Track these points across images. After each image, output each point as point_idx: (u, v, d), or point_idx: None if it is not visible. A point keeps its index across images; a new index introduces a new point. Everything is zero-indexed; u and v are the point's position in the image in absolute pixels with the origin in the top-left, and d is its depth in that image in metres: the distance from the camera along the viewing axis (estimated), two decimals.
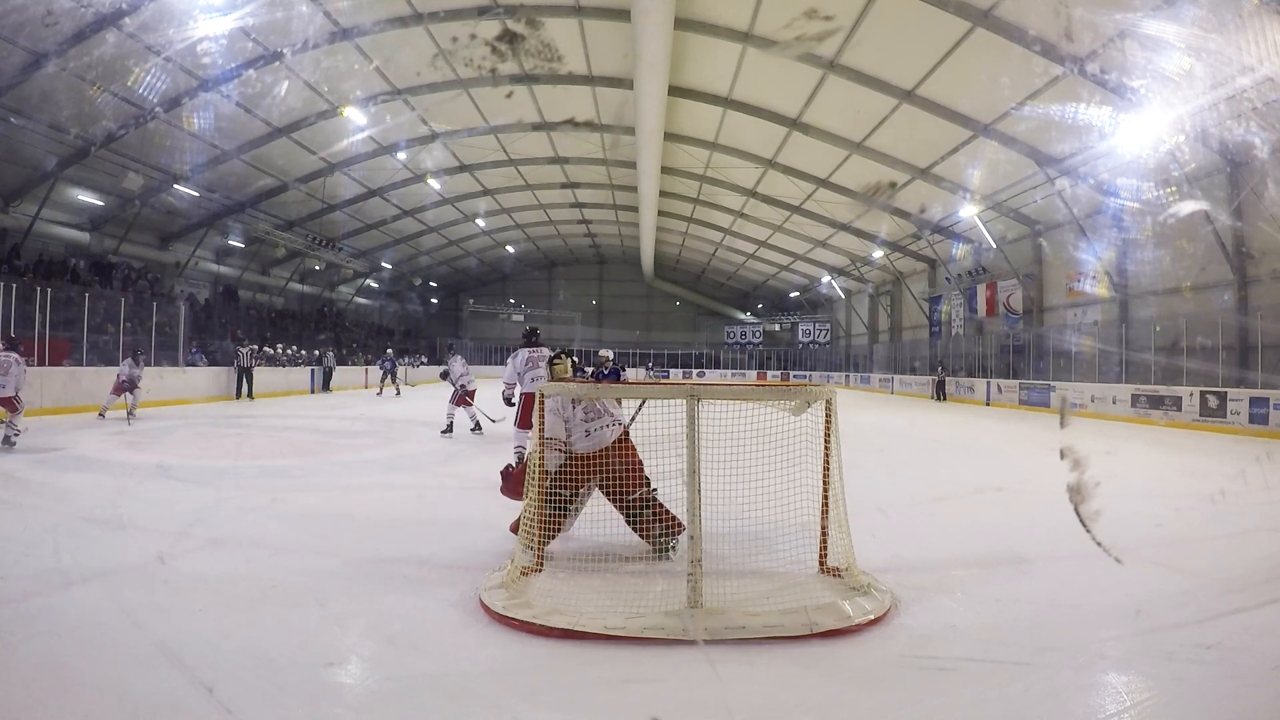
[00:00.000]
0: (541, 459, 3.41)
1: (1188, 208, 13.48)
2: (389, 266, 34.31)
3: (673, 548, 3.74)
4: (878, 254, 27.19)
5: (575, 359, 5.26)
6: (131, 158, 17.46)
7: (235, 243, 24.98)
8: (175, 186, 19.27)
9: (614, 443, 3.82)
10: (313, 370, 21.22)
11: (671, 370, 40.11)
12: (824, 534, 3.36)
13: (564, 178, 27.20)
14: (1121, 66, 11.95)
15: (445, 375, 11.78)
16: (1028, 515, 5.12)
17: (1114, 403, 14.97)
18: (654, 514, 3.75)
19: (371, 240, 30.25)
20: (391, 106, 18.98)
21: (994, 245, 20.71)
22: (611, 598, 2.98)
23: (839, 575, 3.29)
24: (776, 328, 41.80)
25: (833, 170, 20.81)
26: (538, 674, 2.42)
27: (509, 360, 6.69)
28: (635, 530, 3.79)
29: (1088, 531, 3.54)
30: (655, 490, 3.83)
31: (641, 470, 3.86)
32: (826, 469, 3.30)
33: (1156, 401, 13.76)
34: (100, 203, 19.08)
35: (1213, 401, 12.44)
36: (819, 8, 13.48)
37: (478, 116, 20.23)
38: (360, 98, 18.20)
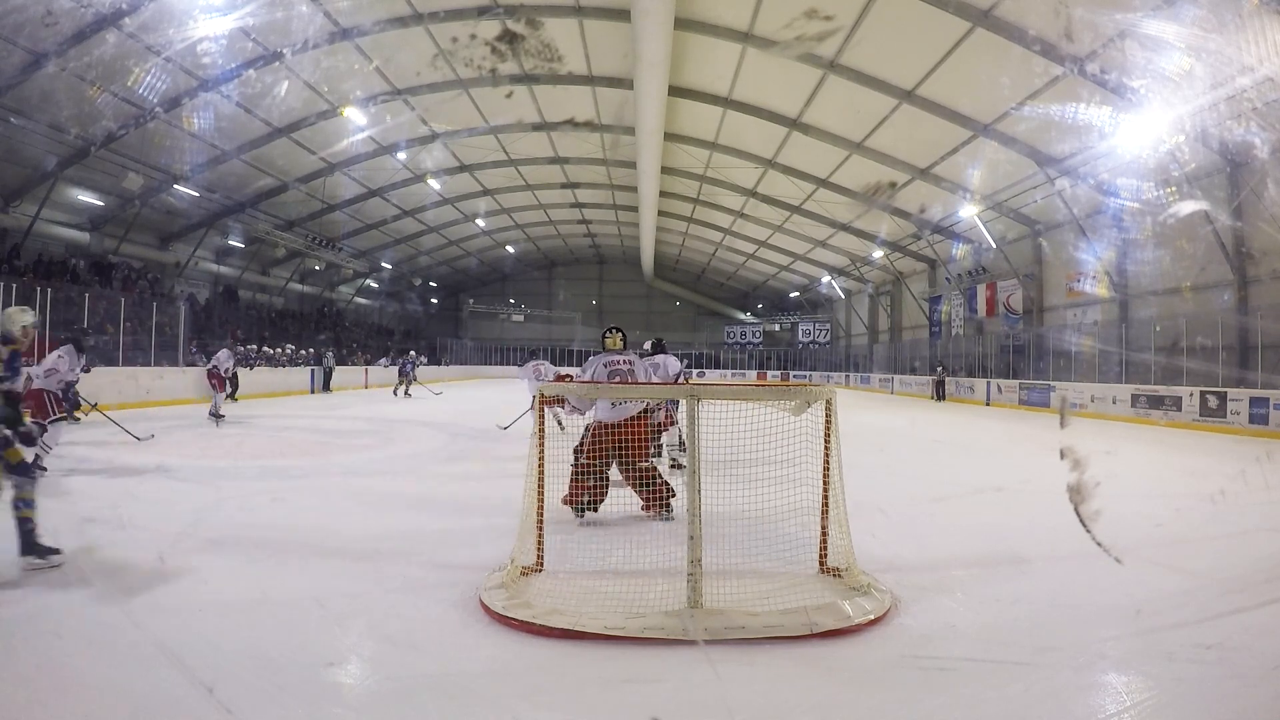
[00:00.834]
0: (541, 460, 3.41)
1: (1188, 208, 13.48)
2: (389, 266, 34.32)
3: (670, 511, 4.49)
4: (878, 254, 27.20)
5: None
6: (131, 158, 17.47)
7: (235, 243, 24.99)
8: (175, 186, 19.29)
9: (635, 415, 4.49)
10: (312, 370, 21.20)
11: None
12: (824, 534, 3.36)
13: (564, 178, 27.21)
14: (1121, 66, 11.95)
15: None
16: (1028, 515, 5.12)
17: (1114, 403, 14.97)
18: (657, 484, 4.45)
19: (371, 240, 30.26)
20: (391, 106, 18.98)
21: (994, 245, 20.71)
22: (611, 598, 2.97)
23: (839, 575, 3.29)
24: (776, 328, 41.81)
25: (833, 170, 20.81)
26: (538, 674, 2.42)
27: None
28: (638, 493, 4.50)
29: (1088, 531, 3.54)
30: (658, 459, 4.52)
31: (648, 444, 4.56)
32: (826, 469, 3.30)
33: (1156, 401, 13.76)
34: (100, 203, 19.08)
35: (1213, 401, 12.44)
36: (819, 8, 13.49)
37: (478, 116, 20.23)
38: (360, 98, 18.20)
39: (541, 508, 3.39)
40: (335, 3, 14.15)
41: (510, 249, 37.46)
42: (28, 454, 3.92)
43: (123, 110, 15.54)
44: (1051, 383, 18.10)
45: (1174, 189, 13.74)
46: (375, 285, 36.39)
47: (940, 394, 22.82)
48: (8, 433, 3.43)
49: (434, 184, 25.42)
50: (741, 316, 43.21)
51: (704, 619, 2.73)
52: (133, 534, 4.11)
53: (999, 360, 22.11)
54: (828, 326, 39.34)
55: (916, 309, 28.60)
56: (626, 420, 4.48)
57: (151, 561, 3.45)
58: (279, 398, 17.77)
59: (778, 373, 39.69)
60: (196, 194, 20.20)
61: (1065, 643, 2.69)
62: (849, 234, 25.63)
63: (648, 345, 8.21)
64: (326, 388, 21.13)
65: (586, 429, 5.01)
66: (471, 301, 43.43)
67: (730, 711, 2.16)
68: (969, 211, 19.77)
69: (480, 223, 31.66)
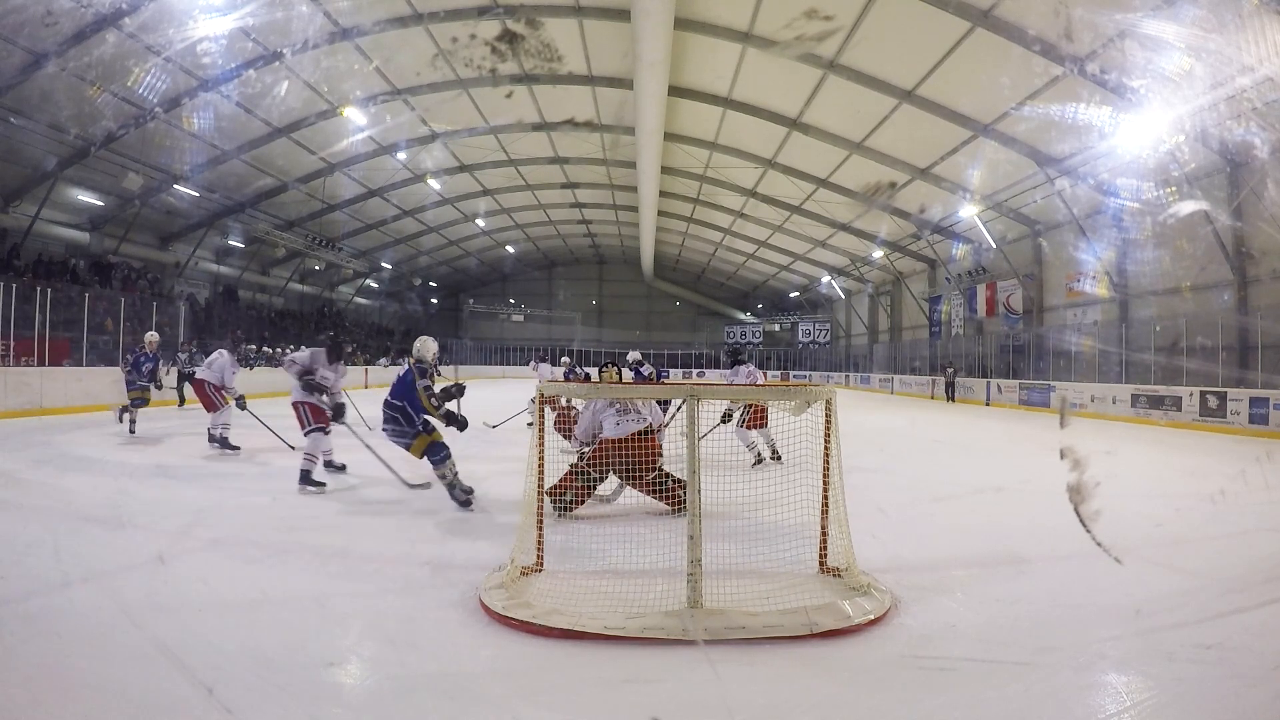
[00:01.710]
0: (541, 460, 3.41)
1: (1188, 208, 13.47)
2: (389, 266, 34.32)
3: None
4: (878, 254, 27.20)
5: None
6: (131, 158, 17.47)
7: (235, 243, 24.98)
8: (175, 186, 19.28)
9: (634, 434, 4.61)
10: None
11: (671, 370, 40.15)
12: (824, 534, 3.36)
13: (564, 178, 27.21)
14: (1121, 66, 11.95)
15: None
16: (1028, 515, 5.11)
17: (1114, 403, 14.97)
18: (672, 484, 4.62)
19: (371, 240, 30.26)
20: (391, 106, 18.98)
21: (994, 245, 20.71)
22: (611, 598, 2.97)
23: (839, 575, 3.29)
24: (776, 328, 41.81)
25: (833, 170, 20.81)
26: (538, 674, 2.42)
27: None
28: (658, 499, 4.64)
29: (1088, 531, 3.54)
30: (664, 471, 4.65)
31: (654, 459, 4.64)
32: (826, 469, 3.30)
33: (1156, 401, 13.76)
34: (100, 203, 19.07)
35: (1213, 401, 12.44)
36: (819, 8, 13.49)
37: (478, 116, 20.23)
38: (360, 98, 18.20)
39: (541, 508, 3.40)
40: (335, 3, 14.15)
41: (510, 249, 37.46)
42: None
43: (123, 110, 15.54)
44: (1051, 383, 18.10)
45: (1174, 189, 13.73)
46: (375, 285, 36.38)
47: (951, 394, 22.17)
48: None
49: (434, 184, 25.42)
50: (741, 316, 43.20)
51: (704, 619, 2.73)
52: (132, 534, 4.10)
53: (999, 360, 22.11)
54: (828, 326, 39.33)
55: (916, 309, 28.59)
56: (630, 437, 4.60)
57: (151, 561, 3.45)
58: (280, 398, 17.75)
59: (778, 373, 39.68)
60: (196, 194, 20.19)
61: (1065, 643, 2.69)
62: (849, 234, 25.63)
63: (633, 356, 8.45)
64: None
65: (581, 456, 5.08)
66: (471, 301, 43.43)
67: (730, 711, 2.16)
68: (969, 211, 19.76)
69: (480, 223, 31.66)
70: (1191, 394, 12.94)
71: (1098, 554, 3.57)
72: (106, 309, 15.05)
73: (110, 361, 13.77)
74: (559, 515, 4.49)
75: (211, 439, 7.67)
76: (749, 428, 6.71)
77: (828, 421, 3.31)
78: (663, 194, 25.99)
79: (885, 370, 30.53)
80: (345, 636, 2.74)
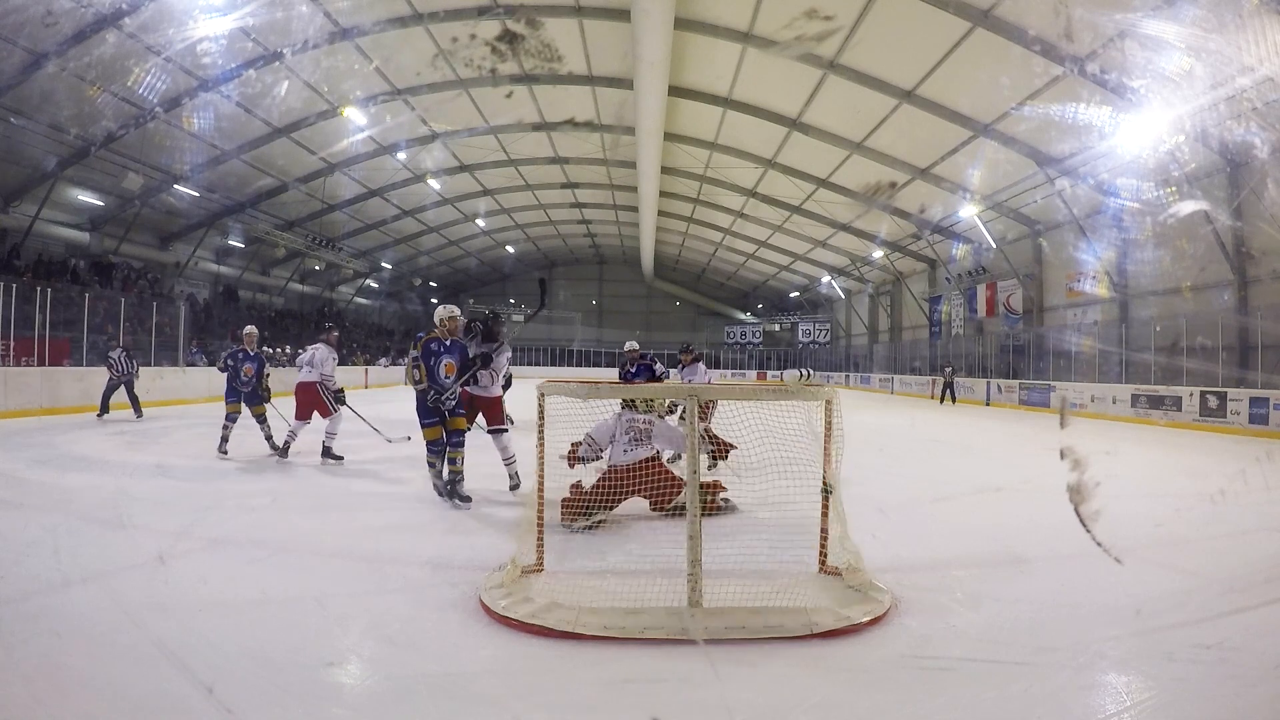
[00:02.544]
0: (542, 461, 3.41)
1: (1188, 208, 13.48)
2: (389, 266, 34.31)
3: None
4: (878, 254, 27.20)
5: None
6: (131, 158, 17.46)
7: (235, 243, 24.99)
8: (175, 186, 19.29)
9: (643, 460, 4.61)
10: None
11: (671, 370, 40.11)
12: (824, 534, 3.36)
13: (564, 178, 27.20)
14: (1121, 66, 11.95)
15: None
16: (1028, 515, 5.11)
17: (1114, 403, 14.97)
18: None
19: (371, 240, 30.26)
20: (391, 106, 18.98)
21: (994, 245, 20.71)
22: (611, 598, 2.97)
23: (839, 575, 3.29)
24: (776, 328, 41.81)
25: (833, 170, 20.81)
26: (538, 674, 2.41)
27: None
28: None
29: (1088, 531, 3.54)
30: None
31: (673, 485, 4.60)
32: (826, 469, 3.29)
33: (1156, 401, 13.76)
34: (100, 203, 19.08)
35: (1213, 401, 12.44)
36: (819, 8, 13.49)
37: (478, 116, 20.23)
38: (360, 98, 18.20)
39: (542, 508, 3.39)
40: (335, 3, 14.15)
41: (510, 249, 37.46)
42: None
43: (123, 110, 15.54)
44: (1051, 383, 18.10)
45: (1174, 189, 13.73)
46: (375, 285, 36.39)
47: (949, 396, 20.78)
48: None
49: (434, 184, 25.43)
50: (741, 316, 43.20)
51: (704, 619, 2.73)
52: (132, 534, 4.10)
53: (999, 360, 22.11)
54: (828, 326, 39.33)
55: (916, 309, 28.59)
56: (640, 463, 4.57)
57: (151, 561, 3.45)
58: (279, 398, 17.75)
59: (778, 373, 39.69)
60: (196, 194, 20.20)
61: (1065, 643, 2.69)
62: (849, 234, 25.63)
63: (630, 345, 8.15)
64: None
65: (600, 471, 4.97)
66: (471, 301, 43.41)
67: (730, 711, 2.16)
68: (969, 211, 19.77)
69: (480, 223, 31.66)
70: (1191, 394, 12.94)
71: (1098, 554, 3.57)
72: (107, 309, 15.06)
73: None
74: (568, 528, 4.36)
75: (327, 452, 6.94)
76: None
77: (828, 422, 3.31)
78: (663, 194, 25.99)
79: (885, 370, 30.53)
80: (345, 636, 2.74)
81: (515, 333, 41.24)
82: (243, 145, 18.81)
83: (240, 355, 7.46)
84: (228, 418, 7.41)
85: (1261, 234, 12.97)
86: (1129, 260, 16.58)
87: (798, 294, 39.29)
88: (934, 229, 22.73)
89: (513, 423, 9.24)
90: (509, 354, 6.14)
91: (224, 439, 7.29)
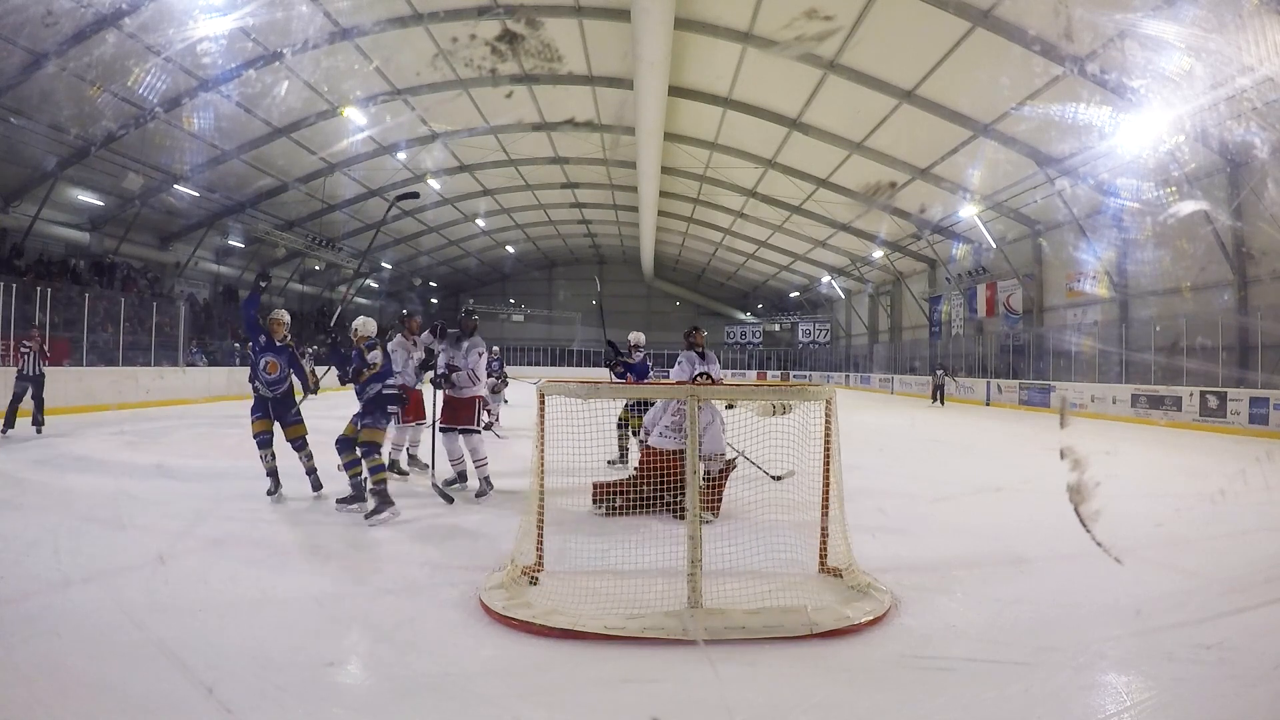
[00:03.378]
0: (541, 461, 3.41)
1: (1188, 208, 13.47)
2: (389, 266, 34.30)
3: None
4: (878, 254, 27.20)
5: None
6: (131, 158, 17.46)
7: (235, 243, 24.98)
8: (175, 186, 19.27)
9: (678, 451, 4.40)
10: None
11: (671, 370, 40.06)
12: (824, 534, 3.36)
13: (564, 178, 27.20)
14: (1121, 66, 11.95)
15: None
16: (1028, 515, 5.11)
17: (1114, 403, 14.97)
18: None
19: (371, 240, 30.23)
20: (391, 106, 18.97)
21: (994, 245, 20.71)
22: (611, 598, 2.97)
23: (839, 575, 3.29)
24: (776, 328, 41.79)
25: (833, 170, 20.81)
26: (538, 674, 2.41)
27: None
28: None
29: (1088, 531, 3.54)
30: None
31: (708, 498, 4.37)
32: (827, 469, 3.29)
33: (1156, 401, 13.76)
34: (100, 203, 19.07)
35: (1213, 401, 12.44)
36: (819, 8, 13.48)
37: (478, 116, 20.22)
38: (360, 98, 18.20)
39: (542, 508, 3.39)
40: (335, 3, 14.14)
41: (510, 249, 37.45)
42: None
43: (123, 110, 15.53)
44: (1051, 383, 18.10)
45: (1174, 189, 13.73)
46: (375, 285, 36.37)
47: (939, 397, 20.30)
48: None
49: (434, 184, 25.42)
50: (741, 316, 43.19)
51: (704, 619, 2.73)
52: (133, 534, 4.10)
53: (999, 360, 22.10)
54: (828, 326, 39.32)
55: (916, 309, 28.59)
56: (674, 454, 4.41)
57: (151, 561, 3.45)
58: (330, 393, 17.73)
59: (778, 373, 39.68)
60: (196, 194, 20.18)
61: (1065, 643, 2.69)
62: (849, 234, 25.62)
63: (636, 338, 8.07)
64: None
65: (644, 448, 4.95)
66: (471, 301, 43.33)
67: (730, 711, 2.16)
68: (969, 211, 19.76)
69: (480, 223, 31.65)
70: (1191, 394, 12.94)
71: (1098, 554, 3.57)
72: (107, 309, 15.06)
73: (110, 361, 13.76)
74: (600, 514, 4.48)
75: (413, 460, 6.31)
76: None
77: (828, 422, 3.31)
78: (663, 194, 25.98)
79: (885, 370, 30.53)
80: (345, 636, 2.74)
81: (505, 330, 41.15)
82: (243, 145, 18.80)
83: (261, 346, 5.14)
84: (258, 442, 5.17)
85: (1261, 234, 12.97)
86: (1129, 260, 16.58)
87: (798, 294, 39.28)
88: (934, 229, 22.73)
89: (491, 426, 9.01)
90: (481, 351, 5.65)
91: (270, 473, 5.17)
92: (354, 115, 18.63)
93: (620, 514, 4.54)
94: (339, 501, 4.83)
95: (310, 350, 15.25)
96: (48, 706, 2.10)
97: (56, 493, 5.24)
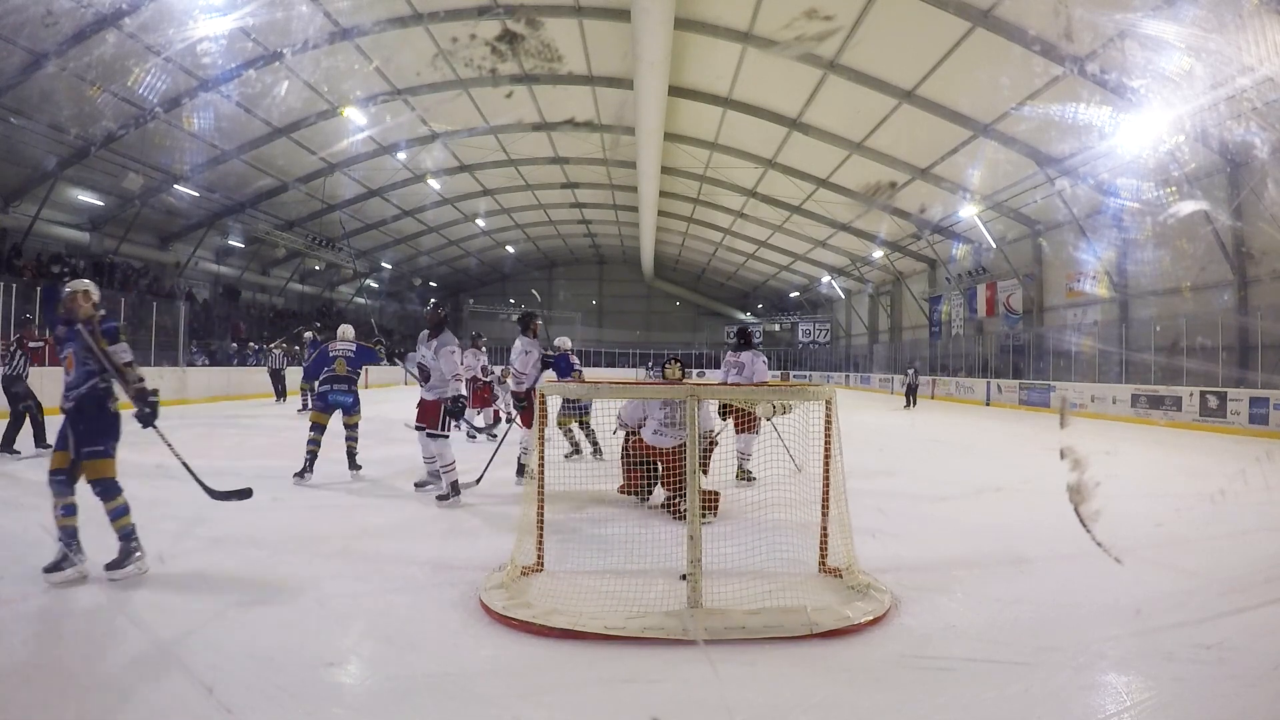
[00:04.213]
0: (541, 461, 3.41)
1: (1188, 208, 13.47)
2: (389, 266, 34.31)
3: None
4: (878, 254, 27.20)
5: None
6: (131, 158, 17.47)
7: (235, 243, 25.00)
8: (175, 186, 19.29)
9: (672, 449, 4.59)
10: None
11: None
12: (824, 534, 3.36)
13: (564, 178, 27.21)
14: (1121, 66, 11.95)
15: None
16: (1028, 515, 5.11)
17: (1114, 403, 14.97)
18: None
19: (371, 240, 30.25)
20: (391, 106, 18.98)
21: (994, 245, 20.71)
22: (611, 598, 2.97)
23: (839, 575, 3.29)
24: (776, 328, 41.79)
25: (833, 170, 20.81)
26: (538, 674, 2.41)
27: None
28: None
29: (1088, 531, 3.54)
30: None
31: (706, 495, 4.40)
32: (827, 469, 3.30)
33: (1156, 401, 13.76)
34: (100, 203, 19.08)
35: (1213, 401, 12.44)
36: (819, 8, 13.49)
37: (478, 116, 20.23)
38: (360, 98, 18.20)
39: (542, 508, 3.39)
40: (335, 3, 14.15)
41: (510, 249, 37.46)
42: None
43: (123, 110, 15.54)
44: (1051, 383, 18.10)
45: (1174, 189, 13.73)
46: (375, 285, 36.38)
47: (912, 399, 18.86)
48: None
49: (434, 184, 25.43)
50: (741, 316, 43.19)
51: (704, 619, 2.73)
52: None
53: (999, 360, 22.10)
54: (828, 326, 39.33)
55: (916, 309, 28.60)
56: (663, 451, 4.62)
57: (151, 561, 3.45)
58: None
59: (777, 372, 39.67)
60: (196, 194, 20.20)
61: (1065, 643, 2.69)
62: (849, 234, 25.63)
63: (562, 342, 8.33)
64: (281, 394, 15.64)
65: (627, 437, 5.01)
66: (471, 301, 43.42)
67: (730, 711, 2.16)
68: (969, 211, 19.77)
69: (480, 223, 31.66)
70: (1191, 394, 12.94)
71: (1098, 554, 3.56)
72: (107, 309, 15.03)
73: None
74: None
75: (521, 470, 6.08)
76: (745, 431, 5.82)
77: (828, 422, 3.31)
78: (663, 194, 25.99)
79: (885, 370, 30.52)
80: (345, 636, 2.74)
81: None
82: (243, 145, 18.81)
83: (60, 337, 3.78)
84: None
85: (1261, 234, 12.97)
86: (1129, 260, 16.58)
87: (798, 294, 39.29)
88: (934, 229, 22.74)
89: (477, 434, 8.86)
90: (454, 349, 5.27)
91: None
92: (354, 115, 18.63)
93: (648, 494, 4.77)
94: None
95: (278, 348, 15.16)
96: (48, 706, 2.10)
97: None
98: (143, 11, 12.66)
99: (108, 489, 3.42)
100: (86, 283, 3.60)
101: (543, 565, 3.42)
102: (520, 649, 2.58)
